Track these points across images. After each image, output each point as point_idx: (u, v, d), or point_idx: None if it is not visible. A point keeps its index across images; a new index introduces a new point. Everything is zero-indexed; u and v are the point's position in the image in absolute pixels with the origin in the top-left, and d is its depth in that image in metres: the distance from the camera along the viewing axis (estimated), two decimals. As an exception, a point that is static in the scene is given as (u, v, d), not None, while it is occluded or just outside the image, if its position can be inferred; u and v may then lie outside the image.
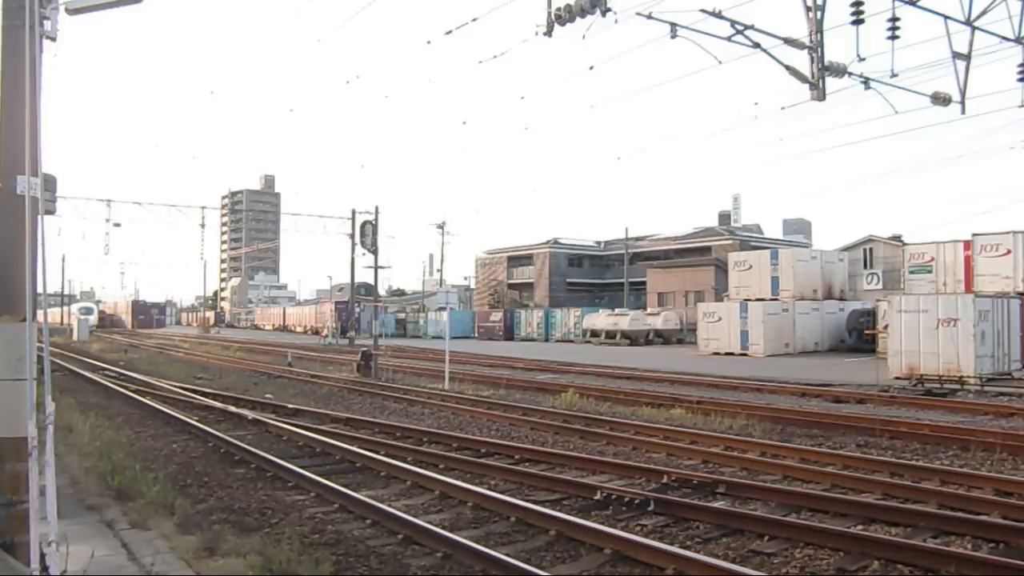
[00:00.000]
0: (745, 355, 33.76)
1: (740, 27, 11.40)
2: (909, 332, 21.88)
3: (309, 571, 5.82)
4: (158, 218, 48.58)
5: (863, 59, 12.05)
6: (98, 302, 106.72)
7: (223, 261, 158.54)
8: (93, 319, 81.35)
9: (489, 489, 8.67)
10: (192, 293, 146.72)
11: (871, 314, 33.62)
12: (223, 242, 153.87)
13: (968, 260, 27.52)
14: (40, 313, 5.15)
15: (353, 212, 41.24)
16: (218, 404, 16.33)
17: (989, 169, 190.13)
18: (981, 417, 15.05)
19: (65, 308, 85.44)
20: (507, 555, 6.22)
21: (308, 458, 10.84)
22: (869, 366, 24.27)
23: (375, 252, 33.19)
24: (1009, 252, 26.28)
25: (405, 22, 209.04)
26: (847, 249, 44.47)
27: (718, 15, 11.20)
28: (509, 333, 56.93)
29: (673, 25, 11.00)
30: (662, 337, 45.41)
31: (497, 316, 59.77)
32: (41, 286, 4.91)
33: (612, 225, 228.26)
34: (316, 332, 64.43)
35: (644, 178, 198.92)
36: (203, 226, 48.66)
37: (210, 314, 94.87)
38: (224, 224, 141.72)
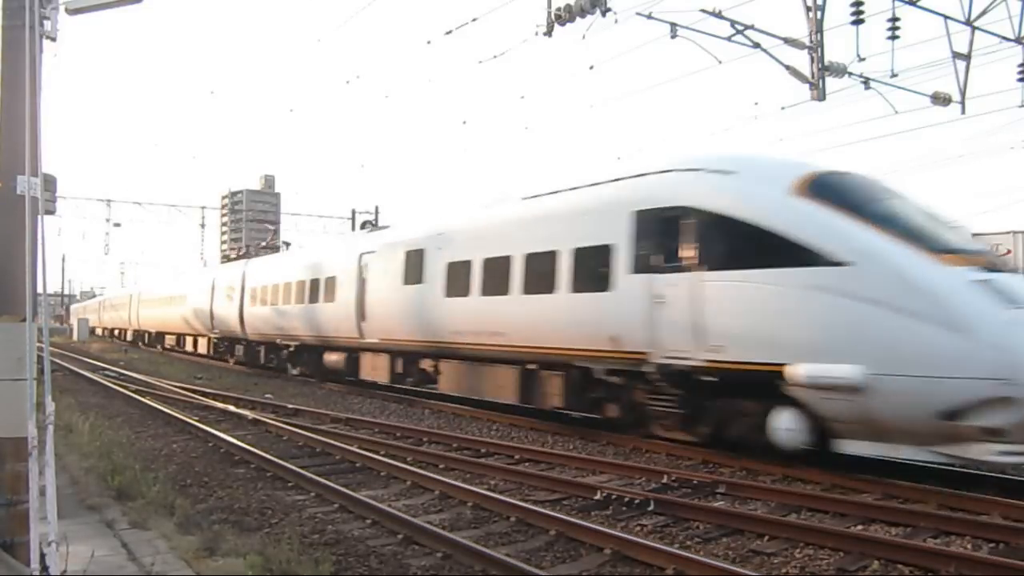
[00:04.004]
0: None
1: (740, 27, 11.43)
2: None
3: (309, 571, 5.81)
4: (158, 218, 48.72)
5: (863, 59, 12.10)
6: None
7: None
8: None
9: (489, 489, 8.67)
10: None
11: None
12: (223, 242, 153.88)
13: (968, 260, 27.45)
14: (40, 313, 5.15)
15: (353, 212, 41.38)
16: (218, 404, 16.34)
17: (989, 169, 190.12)
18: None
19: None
20: (507, 555, 6.22)
21: (308, 458, 10.84)
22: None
23: (375, 252, 33.16)
24: (1009, 252, 26.22)
25: (405, 22, 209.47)
26: (847, 249, 44.36)
27: (718, 15, 11.23)
28: (509, 333, 56.74)
29: (673, 25, 11.03)
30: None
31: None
32: (41, 286, 4.91)
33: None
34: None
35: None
36: (203, 226, 48.78)
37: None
38: (224, 224, 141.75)
